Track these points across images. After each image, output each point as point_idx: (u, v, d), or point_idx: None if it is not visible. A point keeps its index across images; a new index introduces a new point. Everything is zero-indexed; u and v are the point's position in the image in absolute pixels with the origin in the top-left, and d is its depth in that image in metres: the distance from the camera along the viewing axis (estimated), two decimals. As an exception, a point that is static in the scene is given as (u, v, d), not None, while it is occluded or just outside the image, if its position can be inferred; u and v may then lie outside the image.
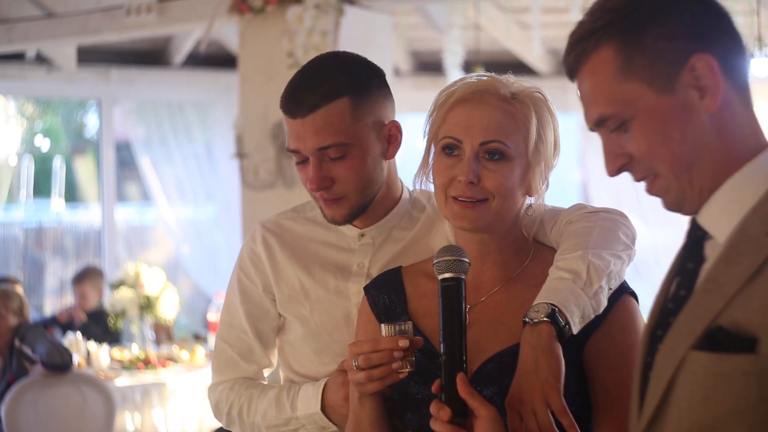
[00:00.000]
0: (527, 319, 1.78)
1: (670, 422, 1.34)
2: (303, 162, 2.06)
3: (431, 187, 1.98)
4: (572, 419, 1.71)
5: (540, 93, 1.94)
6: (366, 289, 2.06)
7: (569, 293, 1.79)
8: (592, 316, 1.82)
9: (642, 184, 1.47)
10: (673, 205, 1.44)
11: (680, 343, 1.33)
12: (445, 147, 1.91)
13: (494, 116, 1.88)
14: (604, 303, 1.84)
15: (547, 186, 1.97)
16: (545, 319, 1.76)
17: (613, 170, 1.46)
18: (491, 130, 1.87)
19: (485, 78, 1.93)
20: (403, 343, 1.79)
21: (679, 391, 1.33)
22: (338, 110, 2.01)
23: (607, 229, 1.94)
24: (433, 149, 1.95)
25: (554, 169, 1.98)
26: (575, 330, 1.78)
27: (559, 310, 1.77)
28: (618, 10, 1.41)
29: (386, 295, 2.02)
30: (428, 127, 1.95)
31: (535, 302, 1.80)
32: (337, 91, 2.01)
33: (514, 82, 1.94)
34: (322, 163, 2.03)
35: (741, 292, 1.28)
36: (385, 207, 2.15)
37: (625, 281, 1.92)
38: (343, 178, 2.03)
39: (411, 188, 2.11)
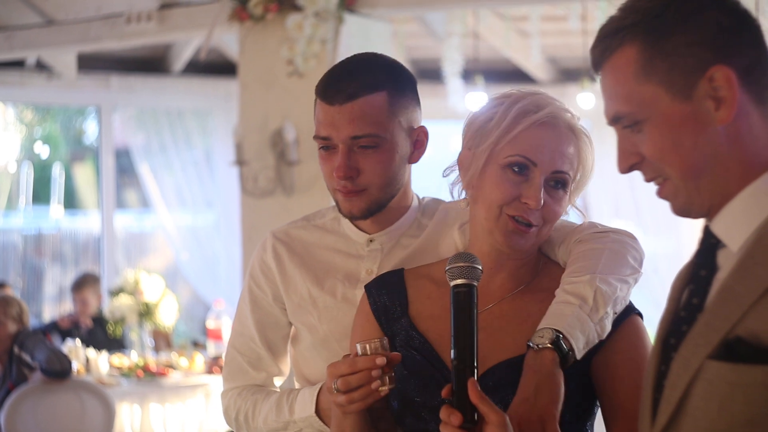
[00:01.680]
0: (531, 344, 1.78)
1: (684, 431, 1.35)
2: (329, 149, 2.08)
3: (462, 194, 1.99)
4: None
5: (582, 126, 1.97)
6: (367, 287, 2.05)
7: (575, 319, 1.79)
8: (597, 341, 1.83)
9: (640, 192, 1.48)
10: (681, 210, 1.45)
11: (696, 352, 1.33)
12: (514, 164, 1.88)
13: (566, 146, 1.90)
14: (608, 328, 1.85)
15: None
16: (549, 345, 1.76)
17: (625, 168, 1.47)
18: (564, 160, 1.89)
19: (557, 103, 1.92)
20: (381, 360, 1.79)
21: (695, 400, 1.33)
22: (377, 102, 2.04)
23: (616, 252, 1.94)
24: (483, 160, 1.91)
25: None
26: (579, 356, 1.79)
27: (564, 337, 1.77)
28: (646, 11, 1.41)
29: (386, 295, 2.01)
30: (483, 137, 1.91)
31: (540, 326, 1.80)
32: (377, 83, 2.05)
33: (564, 110, 1.94)
34: (351, 152, 2.05)
35: (758, 303, 1.29)
36: (397, 213, 2.16)
37: (631, 302, 1.93)
38: (370, 171, 2.05)
39: (451, 196, 2.10)
